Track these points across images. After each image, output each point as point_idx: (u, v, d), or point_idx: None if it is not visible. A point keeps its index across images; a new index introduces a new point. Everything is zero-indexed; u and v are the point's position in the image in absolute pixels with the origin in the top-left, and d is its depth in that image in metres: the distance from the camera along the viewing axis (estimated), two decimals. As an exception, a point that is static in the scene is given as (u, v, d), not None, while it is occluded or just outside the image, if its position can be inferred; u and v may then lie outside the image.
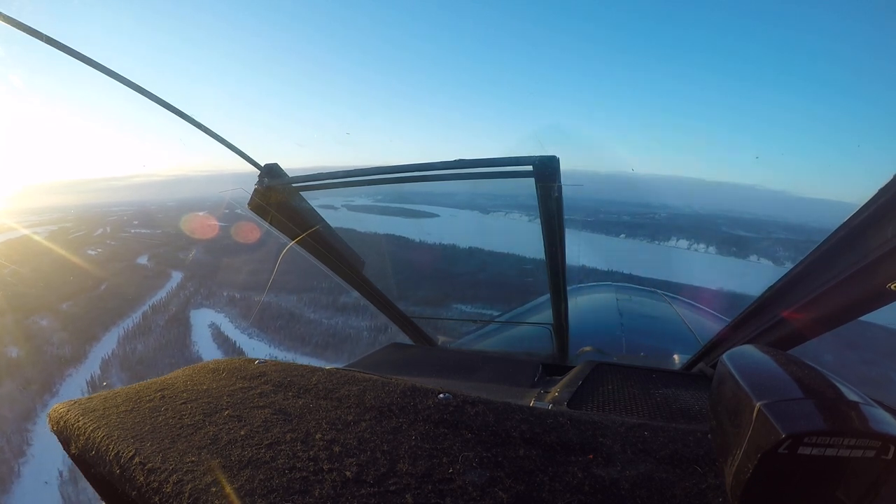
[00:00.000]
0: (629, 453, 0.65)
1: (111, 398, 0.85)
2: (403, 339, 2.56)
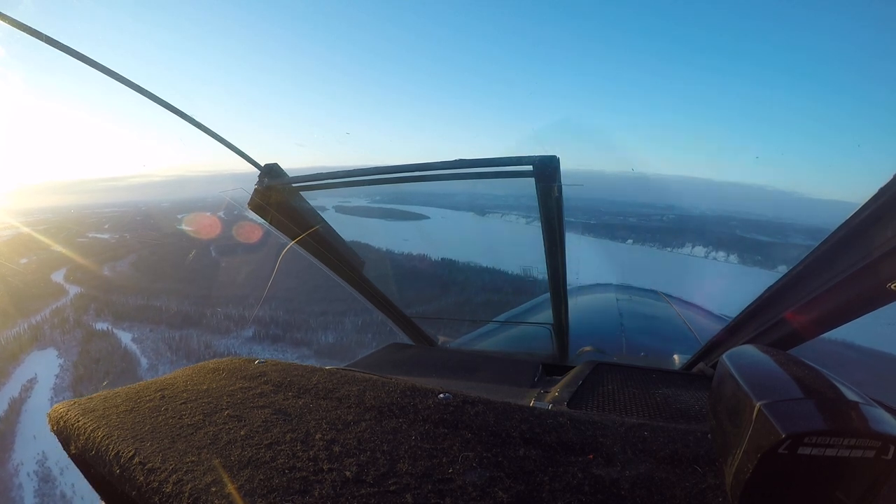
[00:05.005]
0: (629, 453, 0.65)
1: (111, 398, 0.85)
2: (403, 339, 2.56)
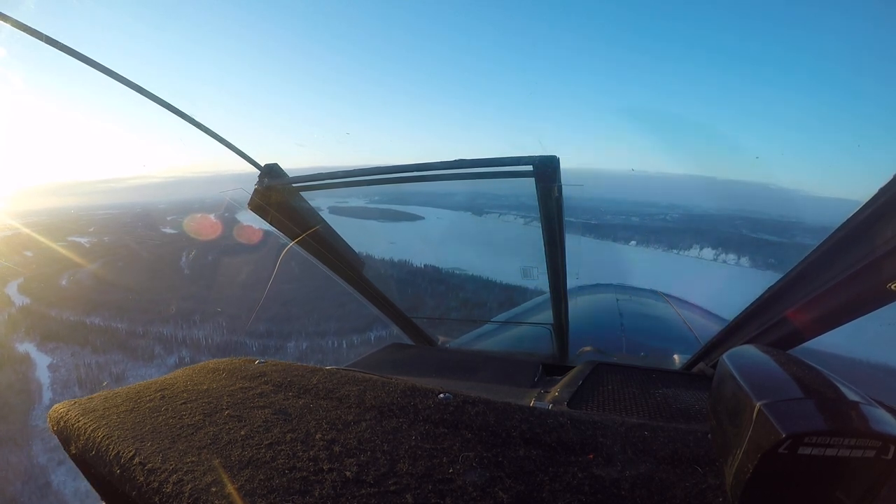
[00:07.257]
0: (629, 453, 0.65)
1: (111, 398, 0.85)
2: (403, 339, 2.56)
